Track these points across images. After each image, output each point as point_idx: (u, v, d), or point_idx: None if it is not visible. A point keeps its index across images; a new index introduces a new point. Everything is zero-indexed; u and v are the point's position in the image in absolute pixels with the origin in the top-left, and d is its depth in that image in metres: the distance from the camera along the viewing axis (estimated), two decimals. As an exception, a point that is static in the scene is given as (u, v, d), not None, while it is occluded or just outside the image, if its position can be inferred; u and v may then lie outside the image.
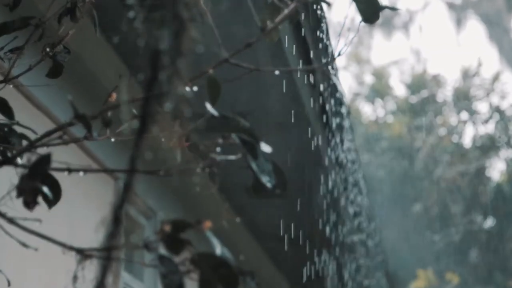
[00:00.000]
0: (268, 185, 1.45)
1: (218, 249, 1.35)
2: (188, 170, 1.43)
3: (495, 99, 17.54)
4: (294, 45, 4.00)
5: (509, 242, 15.97)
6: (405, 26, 21.87)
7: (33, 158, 1.49)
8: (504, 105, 17.42)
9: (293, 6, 1.38)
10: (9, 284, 1.82)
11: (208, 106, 1.40)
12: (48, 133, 1.58)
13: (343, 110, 5.31)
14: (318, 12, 4.04)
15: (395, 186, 16.94)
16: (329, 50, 4.35)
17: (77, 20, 1.78)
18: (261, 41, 1.42)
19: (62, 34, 1.80)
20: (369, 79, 18.99)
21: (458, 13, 20.94)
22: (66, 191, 1.64)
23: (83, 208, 3.74)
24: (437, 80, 18.02)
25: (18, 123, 1.73)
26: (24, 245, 1.61)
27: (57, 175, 1.56)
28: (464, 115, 17.64)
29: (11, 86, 1.84)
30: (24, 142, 1.67)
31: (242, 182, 5.14)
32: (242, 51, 1.40)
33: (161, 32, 1.25)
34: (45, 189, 1.49)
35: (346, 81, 19.52)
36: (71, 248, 1.45)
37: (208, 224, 1.34)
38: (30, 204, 1.45)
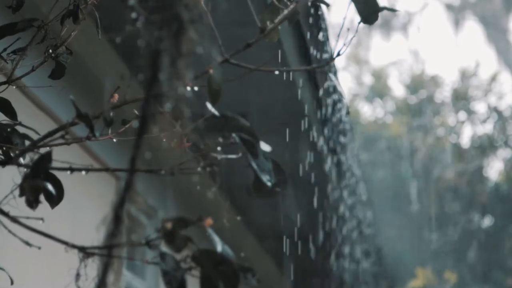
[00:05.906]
0: (268, 183, 1.46)
1: (219, 246, 1.36)
2: (189, 169, 1.44)
3: (493, 100, 17.69)
4: (293, 46, 4.00)
5: (507, 240, 16.05)
6: (404, 27, 21.83)
7: (36, 157, 1.50)
8: (502, 105, 17.59)
9: (292, 7, 1.40)
10: (12, 283, 1.83)
11: (209, 106, 1.41)
12: (51, 133, 1.59)
13: (343, 111, 5.32)
14: (317, 13, 4.05)
15: (394, 185, 16.98)
16: (329, 50, 4.36)
17: (79, 22, 1.79)
18: (261, 42, 1.44)
19: (64, 35, 1.81)
20: (368, 79, 19.05)
21: (456, 14, 20.90)
22: (68, 191, 1.65)
23: (85, 207, 3.75)
24: (435, 81, 18.12)
25: (20, 124, 1.74)
26: (27, 243, 1.63)
27: (59, 174, 1.57)
28: (462, 115, 17.77)
29: (14, 87, 1.85)
30: (27, 143, 1.69)
31: (242, 181, 5.14)
32: (242, 51, 1.41)
33: (162, 33, 1.26)
34: (48, 188, 1.50)
35: (346, 81, 19.55)
36: (73, 246, 1.47)
37: (209, 221, 1.34)
38: (32, 203, 1.46)
